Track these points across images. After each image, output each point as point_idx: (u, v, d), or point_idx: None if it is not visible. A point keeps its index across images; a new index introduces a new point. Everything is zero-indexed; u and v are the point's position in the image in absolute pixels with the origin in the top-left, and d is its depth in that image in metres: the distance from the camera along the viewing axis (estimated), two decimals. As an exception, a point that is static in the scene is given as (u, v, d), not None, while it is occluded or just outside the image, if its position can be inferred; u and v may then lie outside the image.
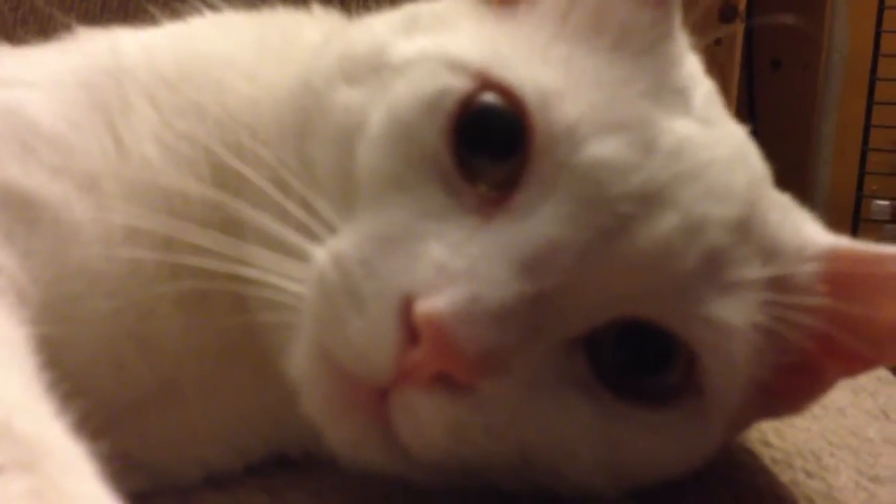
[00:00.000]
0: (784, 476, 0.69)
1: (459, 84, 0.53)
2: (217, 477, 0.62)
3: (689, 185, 0.51)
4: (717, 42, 2.24)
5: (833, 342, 0.57)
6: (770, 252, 0.55)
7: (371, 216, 0.52)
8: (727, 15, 2.27)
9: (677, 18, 0.58)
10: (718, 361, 0.53)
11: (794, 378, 0.58)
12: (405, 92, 0.53)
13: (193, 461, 0.61)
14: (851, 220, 2.72)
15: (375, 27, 0.61)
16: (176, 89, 0.60)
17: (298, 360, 0.52)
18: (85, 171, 0.56)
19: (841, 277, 0.57)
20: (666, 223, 0.50)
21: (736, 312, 0.52)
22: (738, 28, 2.30)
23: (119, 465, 0.41)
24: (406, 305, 0.47)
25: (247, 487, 0.61)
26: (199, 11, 0.71)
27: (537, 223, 0.49)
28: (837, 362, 0.60)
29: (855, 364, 0.62)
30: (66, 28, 0.70)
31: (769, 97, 2.86)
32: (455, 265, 0.48)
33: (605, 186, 0.49)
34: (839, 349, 0.58)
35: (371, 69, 0.56)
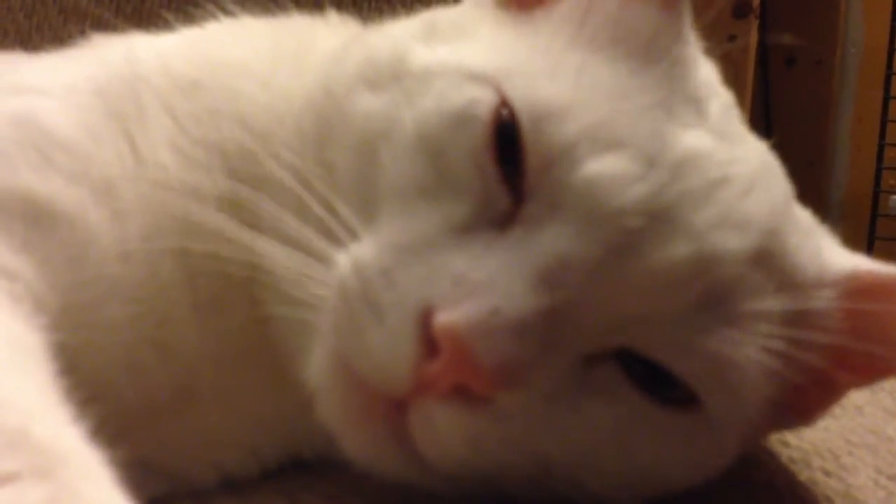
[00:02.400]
0: (802, 475, 0.69)
1: (487, 96, 0.53)
2: (233, 480, 0.62)
3: (703, 208, 0.51)
4: (731, 38, 2.24)
5: (848, 361, 0.57)
6: (787, 281, 0.54)
7: (393, 224, 0.52)
8: (741, 11, 2.27)
9: (688, 19, 0.58)
10: (718, 393, 0.52)
11: (807, 392, 0.57)
12: (432, 105, 0.53)
13: (209, 465, 0.62)
14: (869, 215, 2.70)
15: (395, 33, 0.62)
16: (191, 96, 0.61)
17: (316, 368, 0.53)
18: (101, 178, 0.56)
19: (860, 302, 0.57)
20: (677, 251, 0.50)
21: (741, 346, 0.51)
22: (752, 24, 2.29)
23: (136, 470, 0.42)
24: (425, 317, 0.47)
25: (262, 490, 0.62)
26: (214, 16, 0.72)
27: (549, 238, 0.49)
28: (851, 376, 0.60)
29: (868, 377, 0.63)
30: (80, 34, 0.71)
31: (784, 94, 2.85)
32: (474, 277, 0.48)
33: (604, 201, 0.49)
34: (854, 366, 0.58)
35: (392, 76, 0.57)
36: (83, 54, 0.67)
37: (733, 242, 0.51)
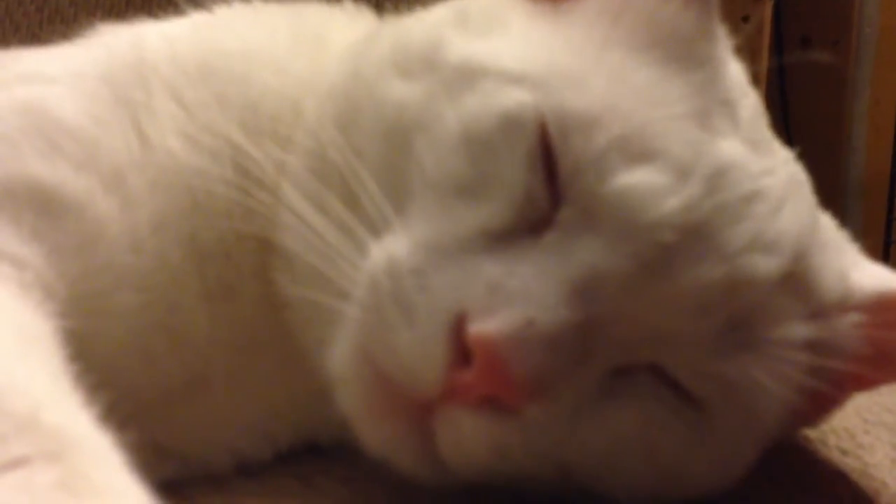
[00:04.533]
0: (819, 454, 0.69)
1: (530, 100, 0.52)
2: (248, 464, 0.62)
3: (735, 225, 0.51)
4: (745, 19, 2.22)
5: (867, 377, 0.57)
6: (812, 305, 0.54)
7: (427, 221, 0.52)
8: (754, -7, 2.25)
9: (717, 17, 0.58)
10: (733, 415, 0.52)
11: (821, 401, 0.58)
12: (478, 105, 0.53)
13: (224, 449, 0.62)
14: (887, 194, 2.68)
15: (428, 20, 0.61)
16: (198, 82, 0.60)
17: (339, 358, 0.52)
18: (110, 165, 0.56)
19: (886, 324, 0.57)
20: (710, 273, 0.49)
21: (762, 372, 0.51)
22: (767, 4, 2.27)
23: (149, 455, 0.42)
24: (458, 323, 0.47)
25: (278, 474, 0.62)
26: (225, 2, 0.71)
27: (583, 249, 0.49)
28: (866, 385, 0.61)
29: (883, 383, 0.63)
30: (91, 26, 0.71)
31: (799, 75, 2.83)
32: (509, 285, 0.48)
33: (637, 214, 0.49)
34: (872, 380, 0.59)
35: (426, 64, 0.56)
36: (90, 42, 0.67)
37: (763, 266, 0.51)
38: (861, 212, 2.92)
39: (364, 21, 0.71)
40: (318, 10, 0.71)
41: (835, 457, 0.69)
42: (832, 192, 2.96)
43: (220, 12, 0.70)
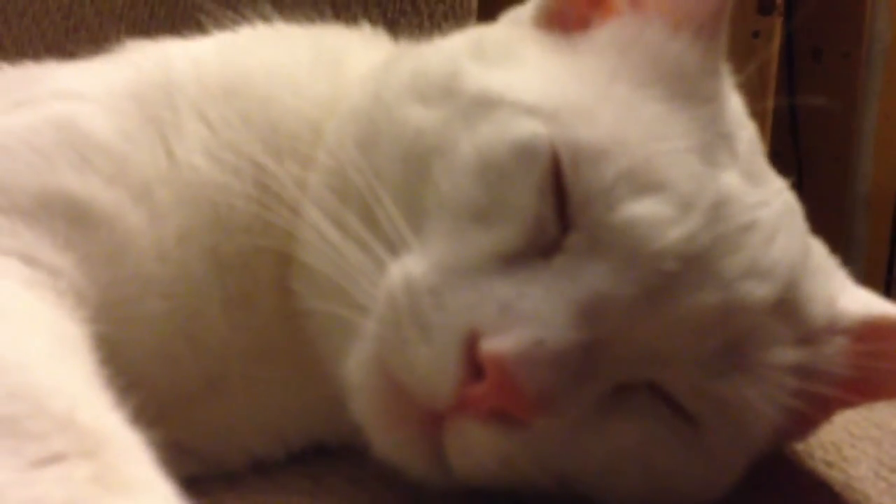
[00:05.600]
0: (804, 466, 0.71)
1: (543, 131, 0.55)
2: (261, 463, 0.66)
3: (732, 254, 0.54)
4: (756, 34, 2.24)
5: (852, 396, 0.60)
6: (801, 330, 0.57)
7: (443, 242, 0.54)
8: (766, 8, 2.27)
9: (723, 53, 0.60)
10: (724, 432, 0.56)
11: (807, 419, 0.61)
12: (494, 134, 0.55)
13: (239, 448, 0.65)
14: (893, 210, 2.69)
15: (445, 48, 0.64)
16: (223, 102, 0.63)
17: (355, 367, 0.55)
18: (138, 180, 0.59)
19: (870, 346, 0.60)
20: (708, 299, 0.53)
21: (753, 393, 0.54)
22: (777, 21, 2.29)
23: (171, 453, 0.44)
24: (471, 341, 0.50)
25: (289, 473, 0.65)
26: (248, 21, 0.74)
27: (590, 273, 0.52)
28: (852, 403, 0.65)
29: (869, 402, 0.67)
30: (116, 36, 0.74)
31: (810, 87, 2.85)
32: (520, 306, 0.51)
33: (642, 243, 0.52)
34: (857, 399, 0.62)
35: (444, 91, 0.59)
36: (120, 60, 0.70)
37: (758, 292, 0.54)
38: (867, 225, 2.94)
39: (380, 44, 0.74)
40: (337, 32, 0.74)
41: (820, 469, 0.71)
42: (839, 205, 2.98)
43: (244, 33, 0.73)
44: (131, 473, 0.41)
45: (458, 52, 0.62)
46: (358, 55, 0.70)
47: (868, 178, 2.97)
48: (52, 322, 0.51)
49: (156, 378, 0.59)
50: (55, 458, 0.39)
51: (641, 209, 0.52)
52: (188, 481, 0.45)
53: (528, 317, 0.50)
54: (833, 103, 2.81)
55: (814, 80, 2.84)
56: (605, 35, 0.60)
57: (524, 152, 0.54)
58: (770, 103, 2.20)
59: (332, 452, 0.67)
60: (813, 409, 0.58)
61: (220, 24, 0.75)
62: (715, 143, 0.57)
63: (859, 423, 0.80)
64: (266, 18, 0.75)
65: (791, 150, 2.69)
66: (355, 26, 0.77)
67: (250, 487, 0.63)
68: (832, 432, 0.76)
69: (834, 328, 0.60)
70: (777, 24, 2.28)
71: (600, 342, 0.51)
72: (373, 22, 1.25)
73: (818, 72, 2.84)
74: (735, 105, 0.62)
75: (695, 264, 0.52)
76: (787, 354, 0.56)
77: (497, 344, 0.49)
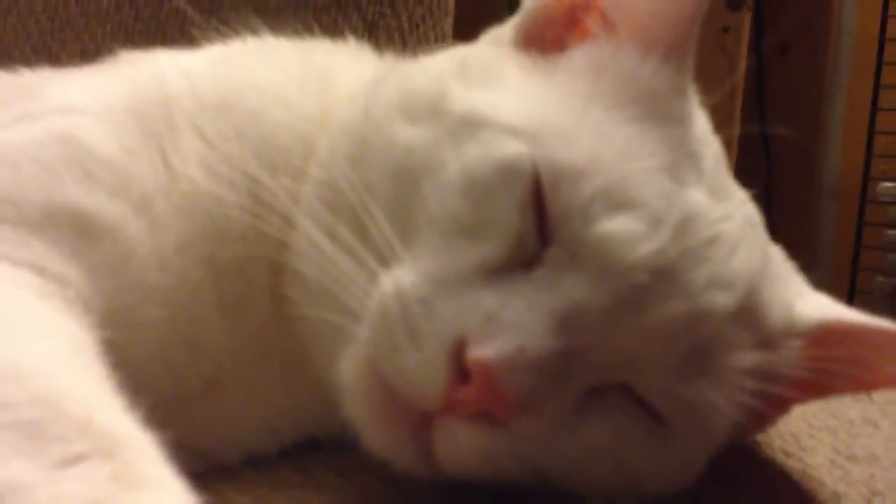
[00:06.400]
0: (763, 455, 0.76)
1: (524, 151, 0.58)
2: (255, 458, 0.69)
3: (697, 267, 0.58)
4: (725, 30, 2.29)
5: (808, 393, 0.66)
6: (760, 334, 0.62)
7: (431, 255, 0.58)
8: (735, 4, 2.32)
9: (690, 74, 0.64)
10: (690, 429, 0.60)
11: (760, 416, 0.65)
12: (479, 154, 0.59)
13: (234, 444, 0.69)
14: (858, 202, 2.76)
15: (431, 68, 0.68)
16: (217, 116, 0.67)
17: (348, 370, 0.59)
18: (139, 192, 0.62)
19: (825, 349, 0.64)
20: (675, 308, 0.57)
21: (716, 394, 0.59)
22: (746, 16, 2.34)
23: (172, 450, 0.48)
24: (458, 347, 0.54)
25: (281, 467, 0.69)
26: (234, 31, 0.77)
27: (568, 286, 0.56)
28: (807, 399, 0.69)
29: (823, 398, 0.72)
30: (101, 36, 0.76)
31: (778, 81, 2.90)
32: (503, 316, 0.54)
33: (615, 257, 0.56)
34: (812, 395, 0.68)
35: (431, 111, 0.62)
36: (116, 73, 0.72)
37: (720, 301, 0.59)
38: (834, 216, 3.01)
39: (366, 58, 0.78)
40: (325, 48, 0.78)
41: (778, 458, 0.76)
42: (807, 196, 3.04)
43: (235, 46, 0.76)
44: (147, 472, 0.44)
45: (445, 72, 0.66)
46: (345, 70, 0.74)
47: (835, 169, 3.04)
48: (65, 329, 0.54)
49: (156, 380, 0.62)
50: (77, 459, 0.43)
51: (615, 226, 0.56)
52: (187, 476, 0.48)
53: (510, 326, 0.54)
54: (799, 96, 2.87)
55: (781, 75, 2.90)
56: (581, 57, 0.64)
57: (507, 171, 0.58)
58: (738, 99, 2.25)
59: (322, 446, 0.71)
60: (770, 408, 0.63)
61: (207, 34, 0.77)
62: (682, 161, 0.60)
63: (817, 414, 0.85)
64: (254, 30, 0.78)
65: (760, 141, 2.74)
66: (340, 38, 0.80)
67: (245, 480, 0.66)
68: (791, 423, 0.80)
69: (790, 332, 0.64)
70: (746, 19, 2.33)
71: (577, 348, 0.55)
72: (352, 25, 1.28)
73: (785, 65, 2.89)
74: (701, 123, 0.66)
75: (663, 276, 0.57)
76: (747, 358, 0.60)
77: (482, 351, 0.53)
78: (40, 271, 0.57)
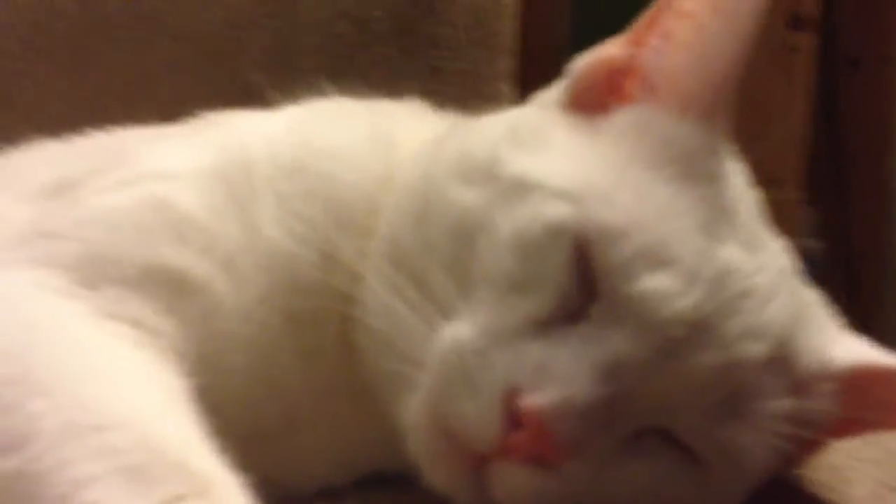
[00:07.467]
0: (803, 490, 0.79)
1: (570, 212, 0.64)
2: (327, 491, 0.75)
3: (731, 318, 0.62)
4: (791, 49, 2.29)
5: (840, 435, 0.71)
6: (794, 380, 0.66)
7: (486, 310, 0.63)
8: (797, 24, 2.32)
9: (724, 133, 0.69)
10: (727, 472, 0.65)
11: (793, 459, 0.70)
12: (528, 216, 0.64)
13: (308, 477, 0.75)
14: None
15: (485, 133, 0.73)
16: (293, 179, 0.73)
17: (412, 413, 0.65)
18: (224, 251, 0.69)
19: (860, 393, 0.68)
20: (710, 359, 0.62)
21: (750, 436, 0.64)
22: (809, 37, 2.33)
23: (252, 487, 0.55)
24: (511, 396, 0.60)
25: (351, 496, 0.76)
26: (312, 94, 0.84)
27: (611, 338, 0.61)
28: (840, 438, 0.73)
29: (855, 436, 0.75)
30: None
31: (849, 97, 2.88)
32: (552, 367, 0.60)
33: (654, 312, 0.61)
34: (847, 437, 0.72)
35: (485, 174, 0.68)
36: (202, 137, 0.80)
37: (753, 351, 0.63)
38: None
39: (427, 118, 0.85)
40: (389, 109, 0.84)
41: (820, 492, 0.79)
42: (877, 208, 3.00)
43: (310, 110, 0.82)
44: None
45: (497, 137, 0.71)
46: (408, 130, 0.80)
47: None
48: (160, 378, 0.61)
49: (239, 420, 0.67)
50: (177, 499, 0.50)
51: (653, 283, 0.61)
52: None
53: (558, 376, 0.60)
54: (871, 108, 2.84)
55: (852, 90, 2.87)
56: (623, 119, 0.69)
57: (554, 233, 0.64)
58: (808, 115, 2.24)
59: (389, 481, 0.76)
60: (803, 451, 0.68)
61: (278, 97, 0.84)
62: (717, 218, 0.65)
63: (859, 446, 0.86)
64: (324, 92, 0.85)
65: (832, 157, 2.72)
66: (405, 100, 0.87)
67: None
68: (832, 455, 0.80)
69: (824, 376, 0.68)
70: (810, 39, 2.32)
71: (620, 396, 0.60)
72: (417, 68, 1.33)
73: (856, 82, 2.87)
74: (736, 178, 0.70)
75: (699, 329, 0.61)
76: (781, 404, 0.65)
77: (533, 400, 0.59)
78: (137, 324, 0.64)
